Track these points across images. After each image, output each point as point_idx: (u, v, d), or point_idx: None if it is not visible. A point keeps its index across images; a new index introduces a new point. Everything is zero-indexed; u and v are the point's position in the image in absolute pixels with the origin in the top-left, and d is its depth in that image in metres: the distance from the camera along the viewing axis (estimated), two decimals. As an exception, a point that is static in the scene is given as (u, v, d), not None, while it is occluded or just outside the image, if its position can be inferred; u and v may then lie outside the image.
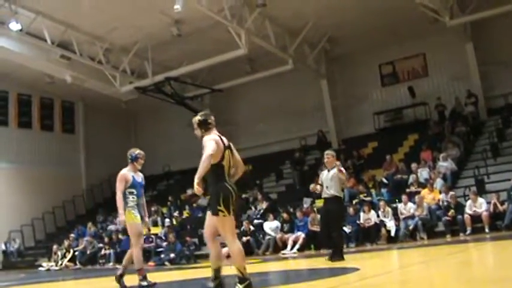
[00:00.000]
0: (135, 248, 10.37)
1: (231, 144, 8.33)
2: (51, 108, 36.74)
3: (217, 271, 8.03)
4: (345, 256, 13.49)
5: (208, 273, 9.02)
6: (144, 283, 9.98)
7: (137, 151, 11.28)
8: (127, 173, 10.92)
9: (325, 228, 13.92)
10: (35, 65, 30.28)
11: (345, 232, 21.33)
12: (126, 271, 10.56)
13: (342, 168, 13.46)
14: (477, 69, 27.83)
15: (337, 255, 12.99)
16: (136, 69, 31.23)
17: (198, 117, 8.32)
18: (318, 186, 14.01)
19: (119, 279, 10.47)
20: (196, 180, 7.62)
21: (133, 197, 10.69)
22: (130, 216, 10.52)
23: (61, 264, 27.12)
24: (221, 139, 8.02)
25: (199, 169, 7.61)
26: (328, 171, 13.55)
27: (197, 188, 7.67)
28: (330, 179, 13.36)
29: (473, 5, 25.01)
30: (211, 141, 7.78)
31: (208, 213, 8.17)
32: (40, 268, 27.78)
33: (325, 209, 13.73)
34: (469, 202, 20.19)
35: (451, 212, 20.09)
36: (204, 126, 8.26)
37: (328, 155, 13.81)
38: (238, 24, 25.26)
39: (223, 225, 7.80)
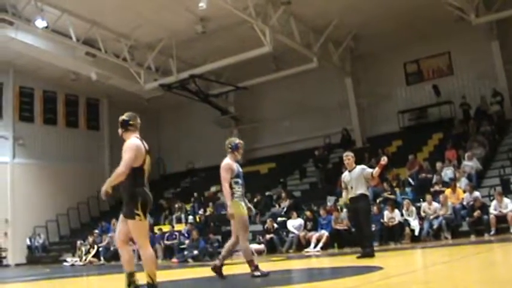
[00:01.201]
0: (243, 241, 10.10)
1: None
2: (76, 105, 36.99)
3: (130, 275, 7.76)
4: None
5: (229, 270, 9.05)
6: (257, 273, 9.75)
7: (237, 140, 10.79)
8: (231, 163, 10.50)
9: (358, 227, 13.91)
10: (60, 62, 30.54)
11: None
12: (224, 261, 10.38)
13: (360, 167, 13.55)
14: (503, 68, 27.66)
15: (369, 251, 13.07)
16: (160, 66, 31.31)
17: (122, 116, 8.28)
18: (344, 194, 14.10)
19: (219, 269, 10.13)
20: (107, 186, 7.83)
21: (238, 187, 10.43)
22: (238, 208, 10.25)
23: (85, 260, 27.31)
24: (142, 143, 8.01)
25: (112, 178, 7.77)
26: (349, 171, 13.58)
27: (106, 192, 7.80)
28: (355, 179, 13.38)
29: (499, 3, 24.82)
30: (131, 151, 7.80)
31: (121, 217, 7.89)
32: (64, 263, 27.98)
33: (354, 208, 13.73)
34: (494, 202, 20.02)
35: (477, 213, 19.93)
36: (124, 126, 8.21)
37: (348, 156, 13.86)
38: (263, 21, 25.27)
39: (138, 229, 7.68)
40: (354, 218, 14.28)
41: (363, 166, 13.65)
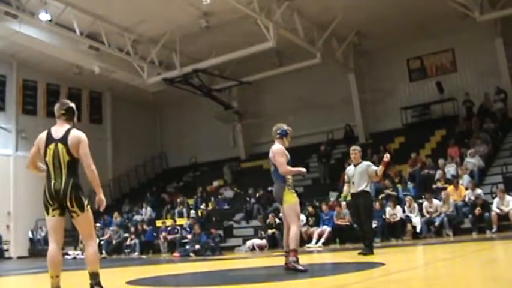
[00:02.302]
0: (296, 228, 9.73)
1: None
2: (79, 98, 36.95)
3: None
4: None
5: (231, 265, 9.07)
6: (300, 267, 9.43)
7: (286, 126, 10.66)
8: (283, 147, 10.30)
9: (359, 223, 13.88)
10: (63, 55, 30.53)
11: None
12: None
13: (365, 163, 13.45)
14: (507, 65, 27.61)
15: (368, 249, 13.00)
16: (164, 60, 31.31)
17: (72, 104, 7.91)
18: (345, 188, 13.96)
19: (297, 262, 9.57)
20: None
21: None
22: (292, 195, 10.06)
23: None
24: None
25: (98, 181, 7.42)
26: (355, 166, 13.45)
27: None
28: (359, 174, 13.27)
29: (504, 1, 24.79)
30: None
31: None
32: (66, 256, 27.96)
33: (355, 204, 13.64)
34: (496, 200, 20.04)
35: (478, 210, 19.93)
36: (72, 114, 7.84)
37: (355, 150, 13.67)
38: (267, 17, 25.25)
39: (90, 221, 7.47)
40: (355, 215, 14.22)
41: (368, 163, 13.50)
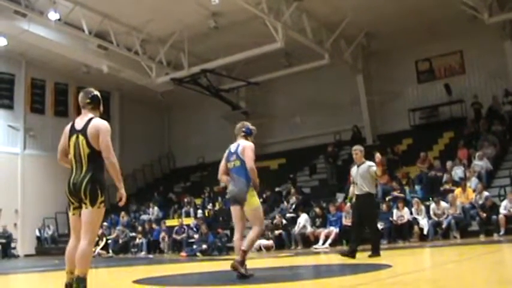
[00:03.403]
0: (258, 230, 9.23)
1: None
2: (88, 97, 37.01)
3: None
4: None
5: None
6: (242, 270, 8.84)
7: (251, 126, 10.11)
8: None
9: (357, 224, 13.75)
10: (72, 54, 30.62)
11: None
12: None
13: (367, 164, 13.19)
14: (516, 68, 27.56)
15: (374, 251, 12.87)
16: (172, 60, 31.33)
17: (97, 92, 7.50)
18: (351, 189, 13.84)
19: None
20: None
21: None
22: (255, 197, 9.49)
23: (94, 252, 27.32)
24: None
25: (119, 175, 7.12)
26: (358, 166, 13.24)
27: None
28: (361, 174, 13.08)
29: (513, 3, 24.76)
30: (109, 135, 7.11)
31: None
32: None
33: (357, 206, 13.50)
34: (504, 202, 20.00)
35: (483, 213, 19.90)
36: (99, 103, 7.44)
37: (356, 150, 13.45)
38: (275, 17, 25.25)
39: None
40: (356, 216, 13.90)
41: (370, 163, 13.17)
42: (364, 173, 13.02)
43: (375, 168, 12.93)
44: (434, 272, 9.75)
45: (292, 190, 26.94)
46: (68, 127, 7.19)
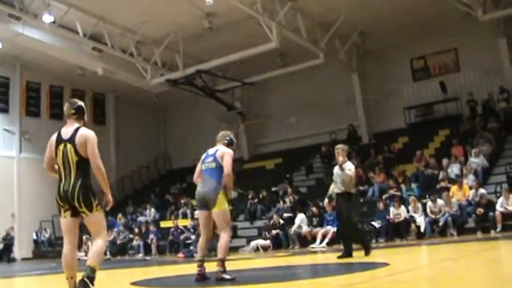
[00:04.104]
0: (226, 236, 9.15)
1: None
2: (83, 100, 36.28)
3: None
4: (375, 251, 13.45)
5: (235, 265, 9.07)
6: (227, 276, 8.88)
7: (233, 136, 10.36)
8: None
9: (341, 224, 13.72)
10: (67, 57, 30.61)
11: (374, 227, 21.34)
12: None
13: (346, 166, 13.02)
14: (510, 65, 27.55)
15: (346, 252, 12.74)
16: (167, 61, 31.35)
17: (81, 103, 7.87)
18: (331, 187, 13.63)
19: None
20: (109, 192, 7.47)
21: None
22: (225, 200, 9.37)
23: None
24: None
25: (106, 180, 7.40)
26: (340, 166, 13.11)
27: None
28: (339, 175, 13.04)
29: (507, 0, 24.76)
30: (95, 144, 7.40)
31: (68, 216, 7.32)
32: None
33: (338, 206, 13.57)
34: (500, 199, 20.02)
35: (479, 210, 19.93)
36: (83, 113, 7.79)
37: (338, 149, 13.39)
38: (270, 17, 25.27)
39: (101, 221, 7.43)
40: (338, 216, 13.92)
41: (349, 166, 13.06)
42: (342, 174, 12.95)
43: (348, 173, 12.84)
44: (431, 269, 9.76)
45: (289, 190, 26.93)
46: (54, 137, 7.43)
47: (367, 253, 12.71)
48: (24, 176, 33.39)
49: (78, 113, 7.64)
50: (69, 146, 7.23)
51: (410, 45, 30.26)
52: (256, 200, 27.60)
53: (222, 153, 9.61)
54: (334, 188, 13.38)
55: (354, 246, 13.03)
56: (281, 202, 26.66)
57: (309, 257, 16.79)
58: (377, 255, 12.95)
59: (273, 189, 28.73)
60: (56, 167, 7.40)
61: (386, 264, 10.07)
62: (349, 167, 13.00)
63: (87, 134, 7.33)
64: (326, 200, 14.15)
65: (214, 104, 34.38)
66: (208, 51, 29.90)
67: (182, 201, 30.57)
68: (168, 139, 41.66)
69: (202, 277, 9.13)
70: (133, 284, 9.05)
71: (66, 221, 7.27)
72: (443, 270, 9.23)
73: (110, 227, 29.45)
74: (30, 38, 28.27)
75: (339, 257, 12.62)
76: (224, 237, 9.14)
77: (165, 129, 41.96)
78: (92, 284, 6.87)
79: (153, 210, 30.97)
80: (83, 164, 7.23)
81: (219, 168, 9.49)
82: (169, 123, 41.75)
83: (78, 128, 7.39)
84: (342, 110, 32.13)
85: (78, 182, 7.16)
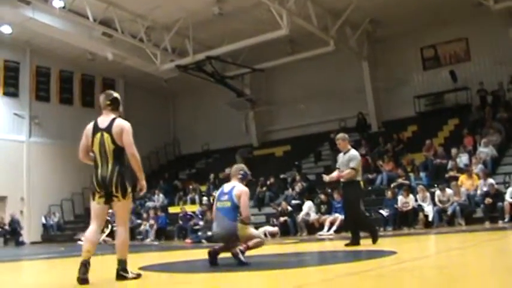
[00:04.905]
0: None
1: None
2: (92, 85, 37.16)
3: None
4: (382, 240, 13.43)
5: (248, 252, 9.10)
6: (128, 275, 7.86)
7: (248, 170, 10.07)
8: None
9: (347, 212, 13.74)
10: (77, 42, 30.63)
11: (382, 215, 21.33)
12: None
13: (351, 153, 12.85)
14: (521, 55, 27.49)
15: (354, 240, 12.58)
16: (177, 47, 31.33)
17: (117, 95, 8.19)
18: (327, 178, 13.37)
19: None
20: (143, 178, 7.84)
21: None
22: (248, 228, 9.65)
23: (99, 239, 27.40)
24: None
25: (140, 167, 7.80)
26: (344, 154, 12.92)
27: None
28: (344, 163, 12.78)
29: (519, -11, 24.65)
30: (131, 133, 7.83)
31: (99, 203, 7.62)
32: (79, 242, 28.09)
33: (343, 193, 13.52)
34: (509, 189, 19.94)
35: (488, 200, 19.89)
36: (117, 105, 8.12)
37: (338, 139, 13.12)
38: (280, 4, 25.20)
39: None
40: (343, 204, 13.90)
41: (354, 155, 12.80)
42: (346, 162, 12.76)
43: (352, 164, 12.65)
44: (439, 258, 9.76)
45: (298, 177, 26.95)
46: (90, 126, 7.80)
47: (374, 241, 12.69)
48: (34, 160, 33.50)
49: (113, 104, 7.97)
50: (106, 135, 7.61)
51: (421, 33, 30.19)
52: (264, 187, 27.60)
53: (240, 192, 9.46)
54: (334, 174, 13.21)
55: (362, 234, 13.01)
56: (289, 189, 26.69)
57: (316, 244, 16.81)
58: (385, 243, 12.94)
59: (282, 176, 28.74)
60: (92, 154, 7.78)
61: (394, 253, 10.05)
62: (353, 157, 12.78)
63: (123, 124, 7.76)
64: (325, 176, 13.64)
65: (224, 90, 34.35)
66: (218, 38, 29.87)
67: (191, 186, 30.64)
68: (178, 125, 41.70)
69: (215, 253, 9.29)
70: (141, 268, 9.06)
71: (98, 207, 7.62)
72: (450, 259, 9.23)
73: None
74: (40, 23, 28.28)
75: (346, 245, 12.56)
76: (254, 241, 9.30)
77: (174, 115, 41.99)
78: (128, 273, 7.50)
79: (161, 195, 31.04)
80: (119, 152, 7.62)
81: (235, 207, 9.41)
82: (178, 108, 41.80)
83: (114, 119, 7.78)
84: (351, 97, 32.07)
85: (115, 168, 7.54)
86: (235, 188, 9.49)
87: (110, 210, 7.96)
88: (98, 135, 7.65)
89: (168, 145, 41.08)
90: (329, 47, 28.41)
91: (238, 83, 35.06)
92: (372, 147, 27.74)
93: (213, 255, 9.23)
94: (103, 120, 7.77)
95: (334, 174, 13.15)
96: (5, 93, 33.37)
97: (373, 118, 31.53)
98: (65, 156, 34.06)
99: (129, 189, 7.61)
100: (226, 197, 9.52)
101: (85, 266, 7.28)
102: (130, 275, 7.55)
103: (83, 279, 7.15)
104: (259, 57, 31.44)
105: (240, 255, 8.91)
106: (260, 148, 35.48)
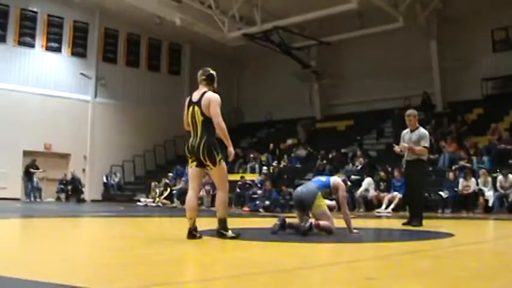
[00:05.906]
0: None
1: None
2: (159, 49, 37.48)
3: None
4: (440, 221, 13.30)
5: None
6: (230, 233, 8.46)
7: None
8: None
9: (409, 192, 13.59)
10: (145, 5, 30.83)
11: (441, 197, 21.10)
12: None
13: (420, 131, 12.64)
14: None
15: (416, 220, 12.27)
16: (245, 15, 31.32)
17: (213, 72, 8.81)
18: (398, 148, 12.93)
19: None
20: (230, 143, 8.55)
21: None
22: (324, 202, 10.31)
23: (158, 201, 27.80)
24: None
25: (227, 135, 8.47)
26: (412, 131, 12.74)
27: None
28: (413, 141, 12.54)
29: None
30: (219, 105, 8.37)
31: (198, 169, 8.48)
32: (138, 203, 28.59)
33: (407, 172, 13.25)
34: None
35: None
36: (212, 81, 8.73)
37: (410, 116, 12.88)
38: (351, -23, 24.98)
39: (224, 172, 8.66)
40: (407, 183, 13.67)
41: (424, 134, 12.64)
42: (417, 140, 12.51)
43: (425, 143, 12.46)
44: (497, 244, 9.66)
45: (358, 152, 26.83)
46: (187, 100, 8.61)
47: (416, 225, 12.23)
48: (98, 120, 34.04)
49: (208, 79, 8.65)
50: (196, 108, 8.33)
51: (493, 14, 29.54)
52: (325, 160, 27.52)
53: (337, 184, 10.65)
54: (399, 149, 12.91)
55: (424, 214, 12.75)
56: (350, 164, 26.60)
57: (373, 221, 16.75)
58: (442, 225, 12.82)
59: (343, 150, 28.63)
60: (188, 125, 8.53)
61: (451, 235, 9.97)
62: (422, 135, 12.59)
63: (210, 96, 8.35)
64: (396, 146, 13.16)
65: (289, 61, 34.27)
66: (287, 8, 29.73)
67: (251, 155, 30.71)
68: (241, 93, 41.76)
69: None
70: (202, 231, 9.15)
71: (192, 170, 8.51)
72: (509, 246, 9.12)
73: (179, 175, 29.85)
74: (111, -15, 28.56)
75: (404, 224, 12.44)
76: (326, 223, 9.81)
77: (238, 83, 42.03)
78: (227, 231, 8.37)
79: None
80: (207, 122, 8.28)
81: (326, 187, 10.64)
82: (243, 77, 41.84)
83: (204, 92, 8.43)
84: (417, 76, 31.65)
85: (203, 138, 8.26)
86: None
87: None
88: (191, 108, 8.39)
89: (230, 113, 41.23)
90: (398, 24, 28.08)
91: (304, 55, 34.93)
92: (436, 127, 27.41)
93: (282, 223, 9.55)
94: (196, 94, 8.47)
95: (406, 145, 12.67)
96: (73, 53, 33.92)
97: (438, 98, 31.09)
98: (129, 118, 34.60)
99: (218, 157, 8.30)
100: (324, 179, 10.53)
101: (191, 232, 8.34)
102: (229, 234, 8.32)
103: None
104: (327, 30, 31.28)
105: (307, 224, 9.28)
106: (323, 121, 35.38)
